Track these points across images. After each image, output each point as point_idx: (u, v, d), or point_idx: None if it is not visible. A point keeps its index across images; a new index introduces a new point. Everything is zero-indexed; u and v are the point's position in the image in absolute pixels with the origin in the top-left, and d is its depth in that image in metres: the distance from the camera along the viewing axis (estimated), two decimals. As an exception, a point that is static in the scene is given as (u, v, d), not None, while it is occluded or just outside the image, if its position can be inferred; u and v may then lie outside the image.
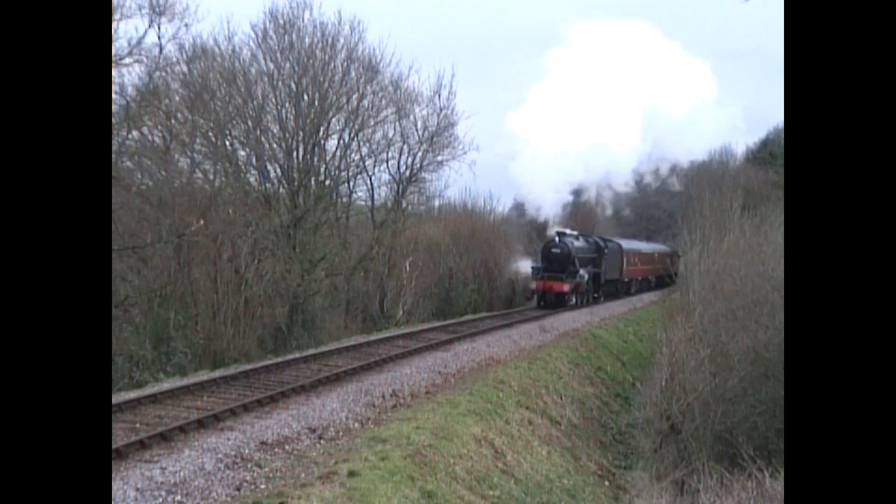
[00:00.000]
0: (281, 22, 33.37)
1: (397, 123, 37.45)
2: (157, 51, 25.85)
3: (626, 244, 48.65)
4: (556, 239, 37.59)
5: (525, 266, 41.59)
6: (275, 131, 33.61)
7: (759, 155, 62.42)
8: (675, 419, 21.58)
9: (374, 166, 38.04)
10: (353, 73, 34.74)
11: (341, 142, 35.54)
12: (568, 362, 24.75)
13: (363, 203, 37.79)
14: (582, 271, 37.75)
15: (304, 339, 27.33)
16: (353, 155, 36.77)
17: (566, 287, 36.37)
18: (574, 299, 37.77)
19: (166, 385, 16.44)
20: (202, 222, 23.90)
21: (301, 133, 33.15)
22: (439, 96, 37.97)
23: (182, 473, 10.08)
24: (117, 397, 14.43)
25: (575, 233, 40.13)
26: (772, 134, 64.99)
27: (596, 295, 41.74)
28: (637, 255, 51.28)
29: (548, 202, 42.24)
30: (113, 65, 22.80)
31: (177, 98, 29.13)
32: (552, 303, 36.89)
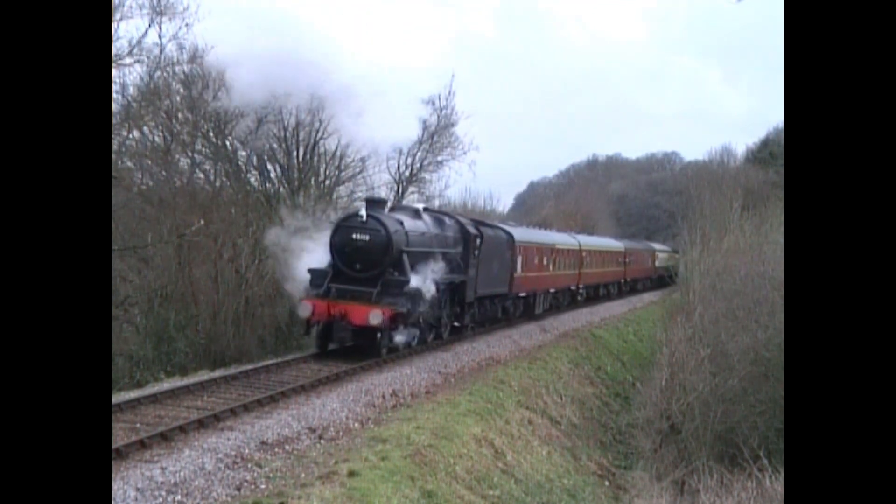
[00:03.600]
0: (281, 22, 33.35)
1: (397, 123, 37.40)
2: (157, 51, 25.88)
3: (522, 233, 29.60)
4: (362, 215, 18.74)
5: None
6: (274, 131, 33.62)
7: (759, 155, 62.43)
8: (675, 419, 21.60)
9: (374, 166, 38.04)
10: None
11: (341, 142, 35.54)
12: (568, 362, 24.76)
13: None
14: (417, 282, 19.22)
15: (305, 338, 27.32)
16: (353, 155, 36.77)
17: (376, 315, 17.68)
18: (401, 338, 19.39)
19: (166, 385, 16.44)
20: (203, 222, 23.93)
21: (301, 133, 33.16)
22: (439, 96, 37.99)
23: (182, 473, 10.08)
24: (117, 397, 14.42)
25: (417, 206, 23.16)
26: (772, 134, 65.02)
27: (457, 324, 23.50)
28: (546, 253, 31.53)
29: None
30: (113, 65, 22.82)
31: (177, 98, 29.16)
32: (348, 343, 18.74)
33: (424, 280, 19.63)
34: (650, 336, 32.14)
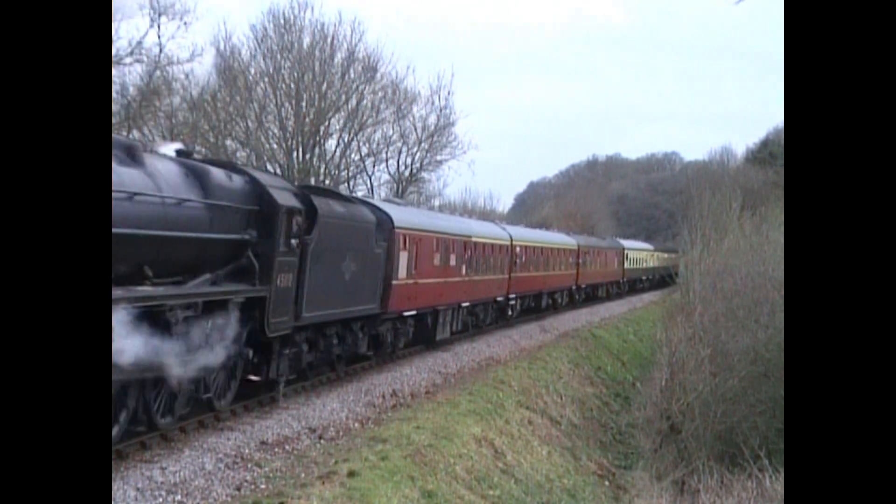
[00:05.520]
0: (281, 21, 33.44)
1: (396, 123, 37.55)
2: (157, 50, 25.88)
3: (410, 216, 20.26)
4: None
5: None
6: (275, 131, 33.67)
7: (759, 155, 62.45)
8: (675, 419, 21.59)
9: (374, 166, 38.20)
10: (352, 74, 34.83)
11: (341, 142, 35.64)
12: (568, 362, 24.75)
13: (363, 203, 37.73)
14: None
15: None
16: (352, 155, 36.87)
17: None
18: None
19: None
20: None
21: (301, 133, 33.20)
22: (438, 96, 38.06)
23: (182, 473, 10.08)
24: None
25: (164, 147, 12.99)
26: (772, 134, 65.10)
27: (256, 378, 13.51)
28: (455, 249, 22.47)
29: None
30: (113, 65, 22.82)
31: (177, 99, 29.16)
32: None
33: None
34: (650, 336, 32.14)
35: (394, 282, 17.92)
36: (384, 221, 17.73)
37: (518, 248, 29.06)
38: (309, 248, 13.82)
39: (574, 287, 38.46)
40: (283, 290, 12.97)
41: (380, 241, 17.26)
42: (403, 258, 18.56)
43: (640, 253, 53.23)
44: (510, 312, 29.48)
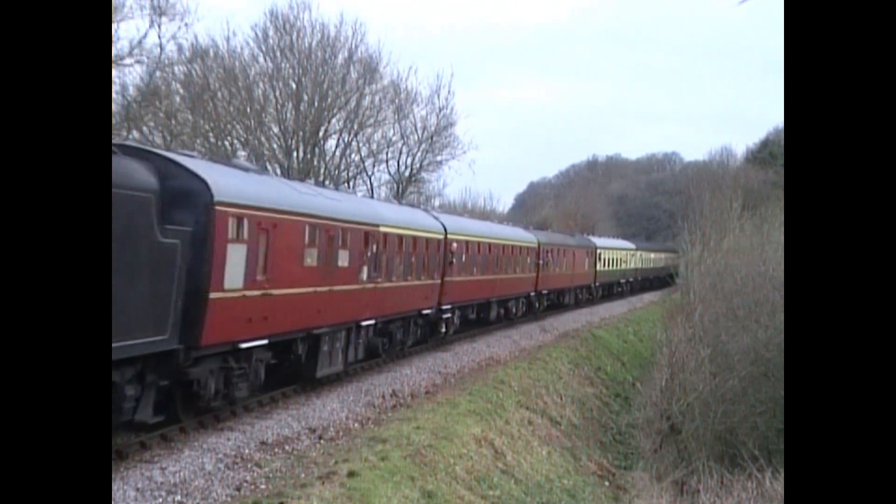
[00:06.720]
0: (281, 22, 33.47)
1: (397, 124, 37.59)
2: (157, 51, 25.89)
3: (247, 185, 12.79)
4: None
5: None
6: (275, 131, 33.69)
7: (759, 155, 62.45)
8: (675, 419, 21.58)
9: (374, 166, 38.24)
10: (353, 74, 34.86)
11: (341, 142, 35.65)
12: (568, 362, 24.75)
13: (363, 203, 37.71)
14: None
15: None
16: (352, 155, 36.88)
17: None
18: None
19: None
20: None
21: (301, 133, 33.21)
22: (438, 96, 38.10)
23: (182, 473, 10.09)
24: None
25: None
26: (772, 134, 65.13)
27: None
28: (351, 241, 16.02)
29: None
30: (113, 65, 22.82)
31: (177, 99, 29.17)
32: None
33: None
34: (650, 336, 32.13)
35: (214, 294, 11.46)
36: (188, 191, 11.10)
37: (454, 244, 22.52)
38: None
39: (533, 293, 31.66)
40: None
41: (175, 223, 10.84)
42: (237, 255, 12.00)
43: (616, 252, 46.10)
44: (445, 329, 22.89)
